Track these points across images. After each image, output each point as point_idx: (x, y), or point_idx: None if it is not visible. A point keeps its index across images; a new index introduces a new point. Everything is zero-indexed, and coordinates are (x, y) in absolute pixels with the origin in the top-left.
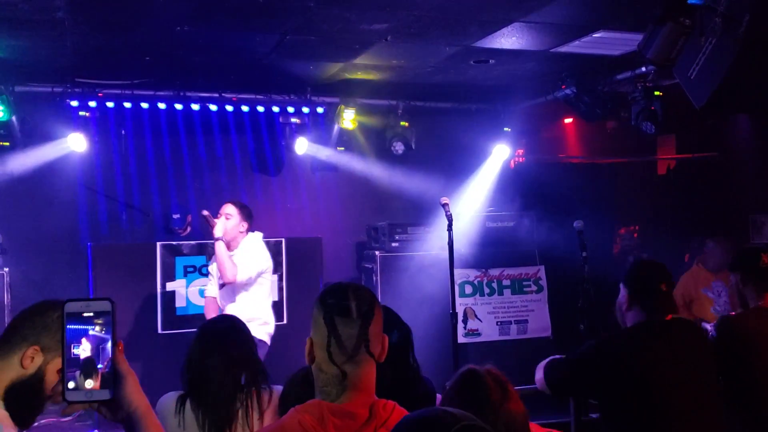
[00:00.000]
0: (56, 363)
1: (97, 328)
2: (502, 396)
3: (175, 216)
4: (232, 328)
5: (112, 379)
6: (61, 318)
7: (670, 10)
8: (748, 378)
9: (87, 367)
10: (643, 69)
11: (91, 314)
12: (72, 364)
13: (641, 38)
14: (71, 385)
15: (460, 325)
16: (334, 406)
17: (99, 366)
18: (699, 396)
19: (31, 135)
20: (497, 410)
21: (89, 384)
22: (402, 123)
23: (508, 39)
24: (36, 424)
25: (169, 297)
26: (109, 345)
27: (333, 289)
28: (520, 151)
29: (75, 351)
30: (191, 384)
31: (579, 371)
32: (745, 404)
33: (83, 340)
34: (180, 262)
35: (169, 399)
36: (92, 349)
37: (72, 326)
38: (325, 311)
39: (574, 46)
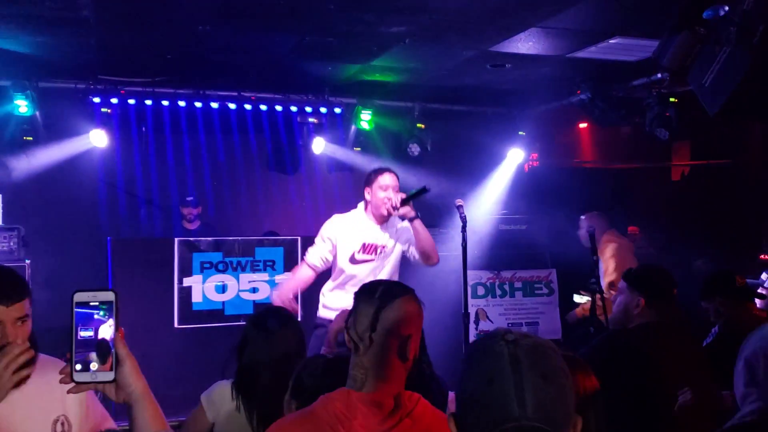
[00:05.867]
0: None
1: (102, 315)
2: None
3: (189, 198)
4: (287, 323)
5: (114, 362)
6: None
7: (686, 18)
8: None
9: (92, 351)
10: (659, 75)
11: (97, 303)
12: (79, 348)
13: (656, 45)
14: (78, 367)
15: (471, 326)
16: (361, 395)
17: (103, 350)
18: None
19: (54, 130)
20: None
21: (94, 366)
22: (418, 125)
23: (525, 44)
24: None
25: (186, 292)
26: (112, 331)
27: (374, 280)
28: (535, 155)
29: (82, 336)
30: (241, 374)
31: (591, 364)
32: None
33: (89, 326)
34: (197, 258)
35: (225, 386)
36: (97, 335)
37: (79, 314)
38: (357, 291)
39: (590, 52)
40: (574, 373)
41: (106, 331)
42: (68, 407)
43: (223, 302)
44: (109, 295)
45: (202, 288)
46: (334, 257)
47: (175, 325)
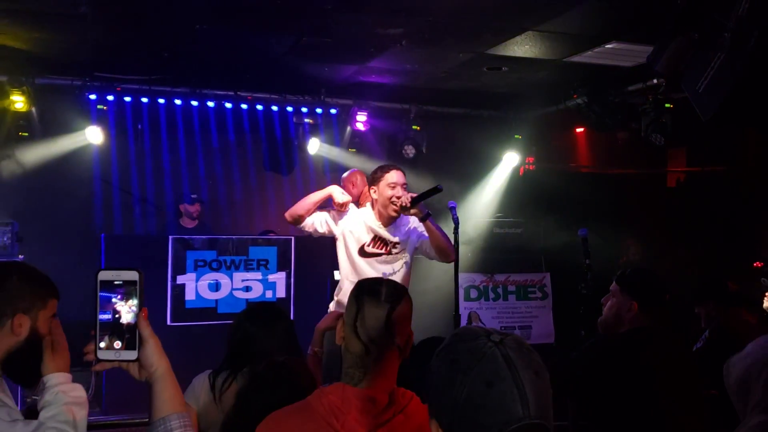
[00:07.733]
0: (43, 314)
1: (126, 295)
2: None
3: (193, 196)
4: (280, 315)
5: (137, 342)
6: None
7: (680, 24)
8: None
9: (116, 330)
10: (655, 81)
11: (121, 283)
12: (103, 327)
13: (651, 50)
14: (102, 344)
15: None
16: (356, 390)
17: (126, 329)
18: (687, 402)
19: (50, 127)
20: None
21: (118, 345)
22: (414, 127)
23: (521, 47)
24: None
25: (180, 290)
26: (135, 310)
27: (370, 278)
28: (531, 159)
29: (106, 315)
30: (236, 360)
31: (582, 367)
32: None
33: (113, 305)
34: (191, 256)
35: (203, 377)
36: (120, 314)
37: (103, 293)
38: (357, 292)
39: (587, 57)
40: None
41: (128, 311)
42: None
43: (216, 300)
44: (133, 275)
45: (196, 286)
46: (345, 250)
47: (168, 322)
